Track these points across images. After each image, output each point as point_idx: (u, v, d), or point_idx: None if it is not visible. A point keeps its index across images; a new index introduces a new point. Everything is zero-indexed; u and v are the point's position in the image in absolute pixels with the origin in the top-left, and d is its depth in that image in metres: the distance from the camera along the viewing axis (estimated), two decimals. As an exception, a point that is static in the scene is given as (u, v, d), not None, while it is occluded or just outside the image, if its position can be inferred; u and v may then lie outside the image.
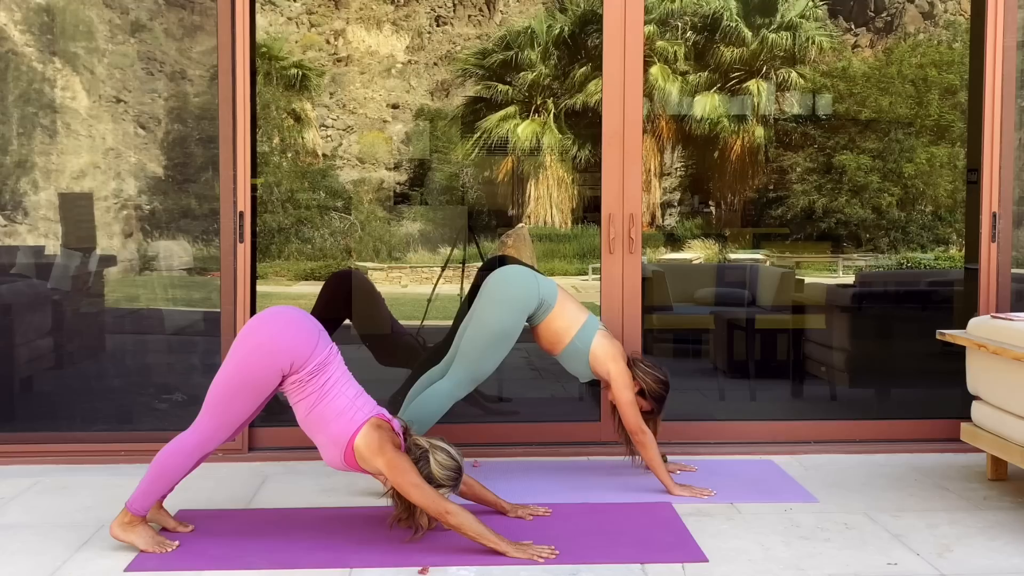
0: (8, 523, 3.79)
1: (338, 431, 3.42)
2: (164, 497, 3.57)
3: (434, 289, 8.61)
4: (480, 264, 7.91)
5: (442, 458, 3.41)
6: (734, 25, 14.31)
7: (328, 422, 3.42)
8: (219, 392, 3.45)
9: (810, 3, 14.96)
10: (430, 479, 3.36)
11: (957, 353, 4.46)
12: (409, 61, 16.72)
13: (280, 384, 3.46)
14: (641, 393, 4.19)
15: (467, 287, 8.40)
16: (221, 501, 4.03)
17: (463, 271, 8.82)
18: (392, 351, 5.96)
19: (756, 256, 11.72)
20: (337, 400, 3.44)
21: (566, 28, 13.42)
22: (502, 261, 7.35)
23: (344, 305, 5.94)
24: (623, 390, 4.14)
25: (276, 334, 3.43)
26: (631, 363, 4.22)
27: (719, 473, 4.44)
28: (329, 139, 15.50)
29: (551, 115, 13.57)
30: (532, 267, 4.45)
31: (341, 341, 3.80)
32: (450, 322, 6.52)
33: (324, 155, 14.90)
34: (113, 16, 6.55)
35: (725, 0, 14.39)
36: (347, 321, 5.96)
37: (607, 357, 4.18)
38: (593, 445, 4.84)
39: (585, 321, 4.24)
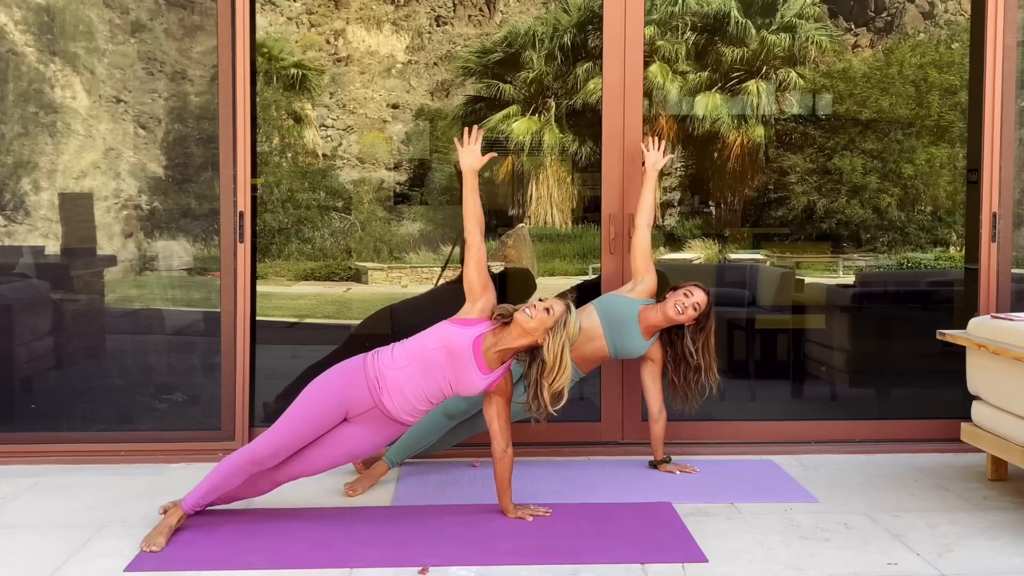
0: (8, 523, 3.79)
1: (460, 335, 3.66)
2: (202, 504, 3.67)
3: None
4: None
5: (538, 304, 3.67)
6: (741, 23, 14.28)
7: (436, 343, 3.66)
8: (287, 425, 3.64)
9: (809, 3, 14.93)
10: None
11: (957, 353, 4.46)
12: (409, 61, 16.70)
13: (369, 401, 3.65)
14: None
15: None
16: (221, 501, 4.03)
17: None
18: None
19: (756, 256, 11.70)
20: (425, 338, 3.69)
21: (576, 35, 13.37)
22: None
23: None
24: (645, 369, 4.44)
25: (330, 385, 3.70)
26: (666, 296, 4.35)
27: (719, 473, 4.44)
28: (329, 139, 15.48)
29: (552, 114, 13.55)
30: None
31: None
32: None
33: (324, 155, 14.88)
34: (113, 16, 6.55)
35: (726, 0, 14.35)
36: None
37: (648, 316, 4.33)
38: (593, 445, 4.84)
39: (596, 314, 4.37)
